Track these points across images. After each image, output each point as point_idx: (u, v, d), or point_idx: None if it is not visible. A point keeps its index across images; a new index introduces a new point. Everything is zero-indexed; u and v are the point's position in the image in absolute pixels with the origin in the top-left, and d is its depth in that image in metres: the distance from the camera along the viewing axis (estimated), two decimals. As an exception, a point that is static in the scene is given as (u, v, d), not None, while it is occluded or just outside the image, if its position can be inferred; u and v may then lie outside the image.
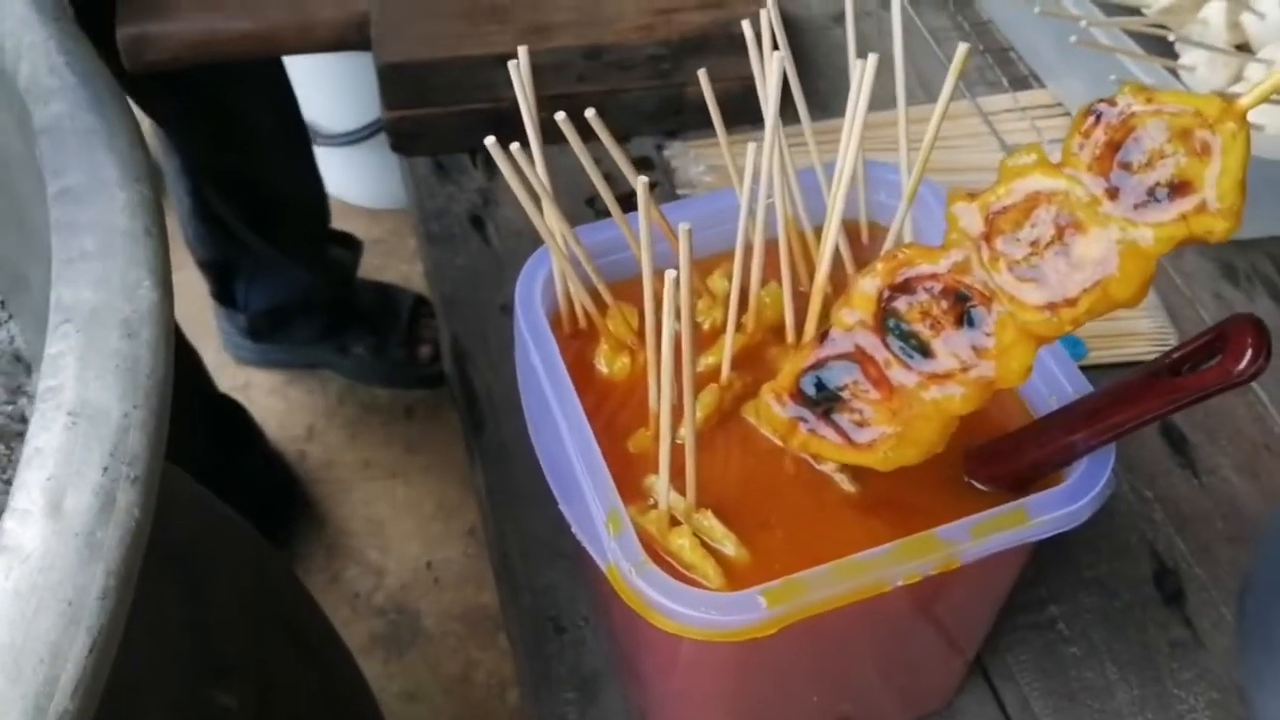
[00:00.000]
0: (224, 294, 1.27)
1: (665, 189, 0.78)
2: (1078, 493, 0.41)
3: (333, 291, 1.31)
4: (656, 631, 0.40)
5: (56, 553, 0.28)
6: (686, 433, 0.40)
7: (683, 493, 0.41)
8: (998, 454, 0.43)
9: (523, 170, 0.40)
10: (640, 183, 0.39)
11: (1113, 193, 0.37)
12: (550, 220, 0.43)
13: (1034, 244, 0.38)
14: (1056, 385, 0.45)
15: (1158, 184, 0.36)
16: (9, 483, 0.43)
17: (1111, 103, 0.36)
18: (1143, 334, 0.71)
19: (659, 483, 0.40)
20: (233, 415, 1.24)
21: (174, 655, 0.52)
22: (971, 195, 0.39)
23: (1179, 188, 0.36)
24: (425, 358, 1.39)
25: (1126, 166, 0.36)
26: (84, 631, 0.28)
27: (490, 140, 0.40)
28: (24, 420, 0.46)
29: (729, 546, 0.41)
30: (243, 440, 1.25)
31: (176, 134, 1.07)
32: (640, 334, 0.46)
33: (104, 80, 0.40)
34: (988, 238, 0.38)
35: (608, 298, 0.46)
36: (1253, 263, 0.76)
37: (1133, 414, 0.40)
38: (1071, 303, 0.38)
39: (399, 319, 1.38)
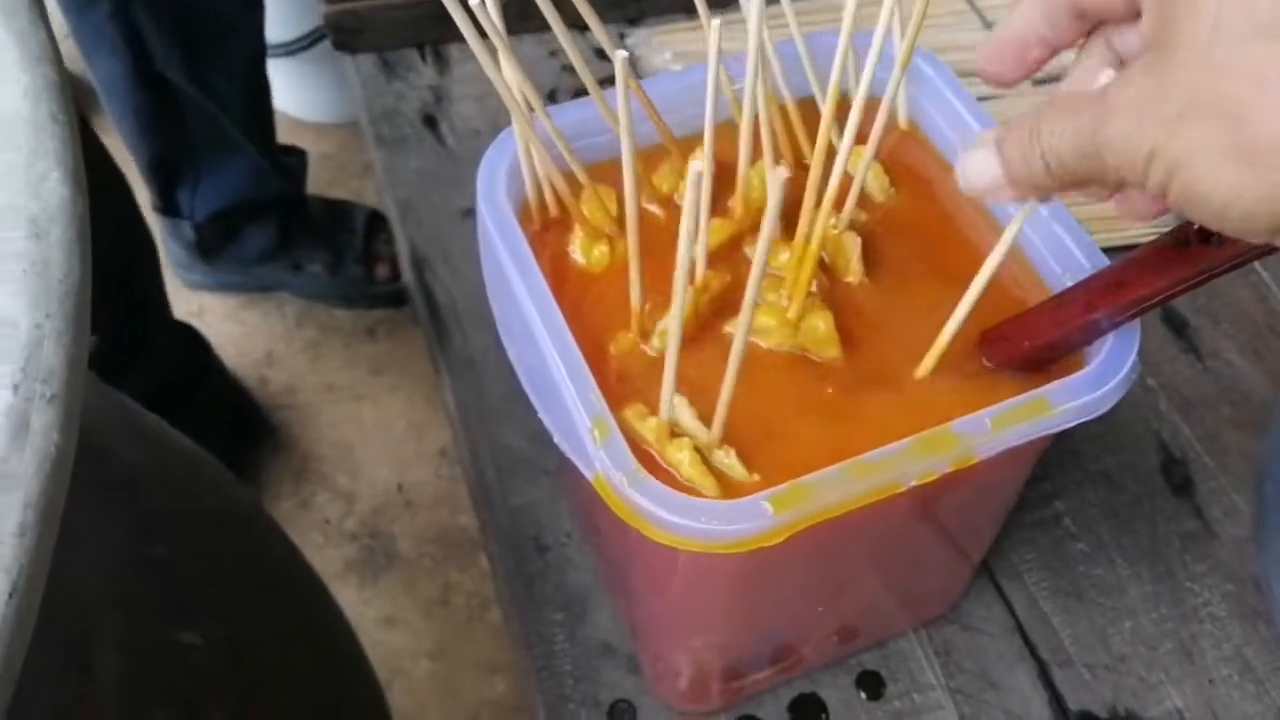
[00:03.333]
0: (168, 201, 1.20)
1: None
2: (1102, 377, 0.38)
3: (281, 192, 1.24)
4: (650, 545, 0.37)
5: (-39, 486, 0.24)
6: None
7: (704, 416, 0.38)
8: (1013, 334, 0.40)
9: (482, 26, 0.36)
10: (618, 56, 0.34)
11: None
12: (515, 86, 0.39)
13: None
14: (1072, 261, 0.41)
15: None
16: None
17: None
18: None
19: (663, 391, 0.36)
20: (188, 341, 1.19)
21: (128, 595, 0.49)
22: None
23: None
24: (383, 277, 1.33)
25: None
26: (1, 574, 0.24)
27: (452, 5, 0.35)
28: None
29: (738, 474, 0.37)
30: (200, 367, 1.20)
31: None
32: (620, 220, 0.42)
33: (-4, -51, 0.35)
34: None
35: (583, 178, 0.42)
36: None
37: (1160, 286, 0.36)
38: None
39: (354, 234, 1.32)
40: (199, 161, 1.17)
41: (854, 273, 0.42)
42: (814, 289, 0.41)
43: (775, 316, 0.40)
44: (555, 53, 0.74)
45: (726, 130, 0.43)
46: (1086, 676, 0.53)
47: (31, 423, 0.26)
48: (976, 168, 0.33)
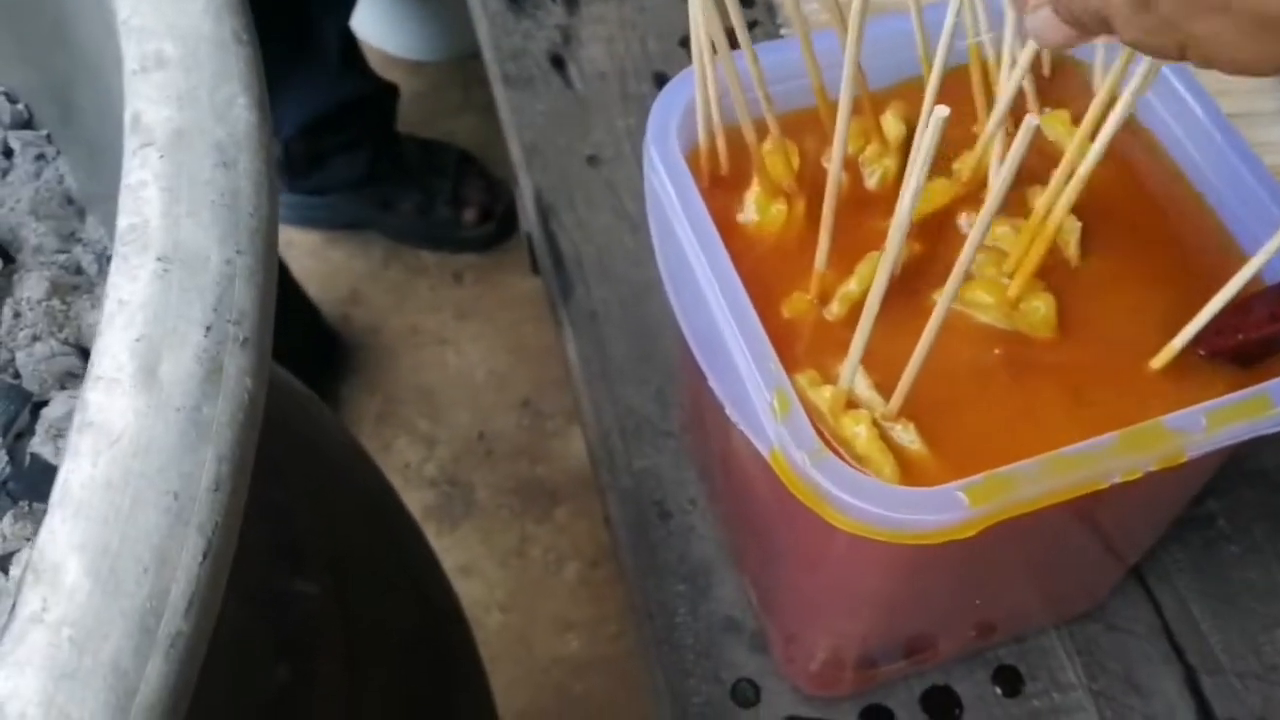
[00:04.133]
0: None
1: (768, 29, 0.69)
2: (1328, 376, 0.34)
3: (370, 115, 1.22)
4: (802, 524, 0.34)
5: (155, 432, 0.22)
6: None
7: (881, 387, 0.35)
8: (1226, 326, 0.36)
9: None
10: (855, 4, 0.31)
11: None
12: (702, 24, 0.36)
13: None
14: (1271, 220, 0.38)
15: None
16: (67, 342, 0.37)
17: None
18: (1275, 144, 0.64)
19: (849, 358, 0.34)
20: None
21: (253, 540, 0.47)
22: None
23: None
24: (470, 220, 1.31)
25: None
26: (195, 531, 0.22)
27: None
28: (79, 271, 0.40)
29: (915, 451, 0.35)
30: (286, 300, 1.19)
31: None
32: (800, 178, 0.39)
33: None
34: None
35: (774, 127, 0.39)
36: None
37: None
38: None
39: (446, 175, 1.30)
40: (284, 68, 1.13)
41: (1072, 256, 0.39)
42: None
43: (994, 294, 0.37)
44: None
45: (917, 88, 0.40)
46: (1236, 685, 0.50)
47: (225, 367, 0.24)
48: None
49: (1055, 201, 0.37)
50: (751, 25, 0.69)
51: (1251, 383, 0.35)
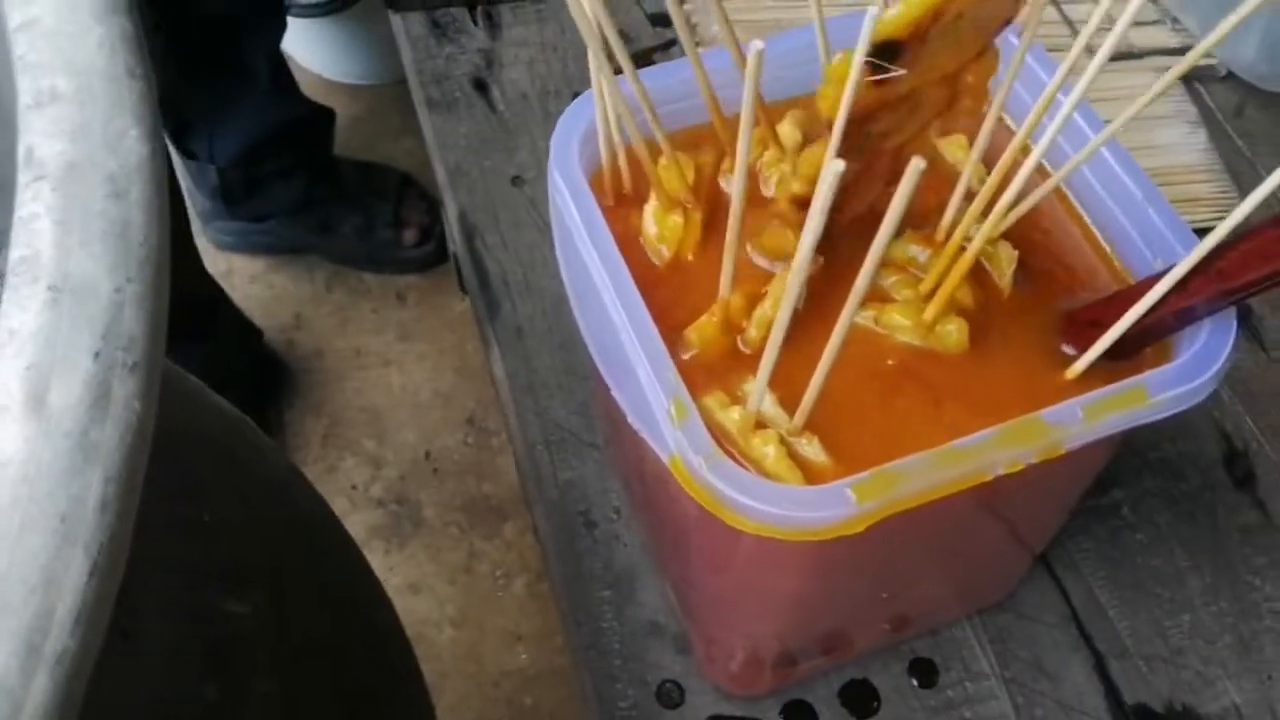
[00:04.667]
0: (184, 141, 1.17)
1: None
2: (1199, 366, 0.36)
3: (307, 138, 1.21)
4: (713, 527, 0.35)
5: (43, 457, 0.23)
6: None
7: (786, 403, 0.36)
8: (1101, 318, 0.38)
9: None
10: (753, 47, 0.32)
11: None
12: (612, 40, 0.37)
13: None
14: (1163, 246, 0.40)
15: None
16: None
17: None
18: (1204, 199, 0.66)
19: (755, 382, 0.35)
20: (215, 300, 1.18)
21: (174, 559, 0.48)
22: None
23: None
24: (411, 241, 1.32)
25: None
26: (81, 551, 0.23)
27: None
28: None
29: (820, 464, 0.36)
30: (227, 327, 1.19)
31: None
32: (696, 190, 0.41)
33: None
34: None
35: (665, 145, 0.40)
36: (1318, 121, 0.71)
37: (1264, 273, 0.35)
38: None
39: (386, 198, 1.31)
40: (215, 98, 1.13)
41: (1005, 285, 0.40)
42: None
43: (910, 316, 0.38)
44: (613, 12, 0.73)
45: (810, 99, 0.41)
46: (1143, 669, 0.52)
47: (113, 392, 0.25)
48: None
49: (964, 227, 0.38)
50: (669, 44, 0.71)
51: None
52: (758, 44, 0.32)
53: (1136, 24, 0.72)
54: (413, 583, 1.16)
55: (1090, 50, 0.35)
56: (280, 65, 1.17)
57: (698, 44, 0.71)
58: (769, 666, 0.48)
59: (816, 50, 0.43)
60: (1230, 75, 0.73)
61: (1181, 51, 0.72)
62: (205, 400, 0.61)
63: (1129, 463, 0.57)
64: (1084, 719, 0.51)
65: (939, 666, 0.51)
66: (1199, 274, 0.36)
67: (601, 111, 0.40)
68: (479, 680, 1.10)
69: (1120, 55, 0.71)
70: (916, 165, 0.28)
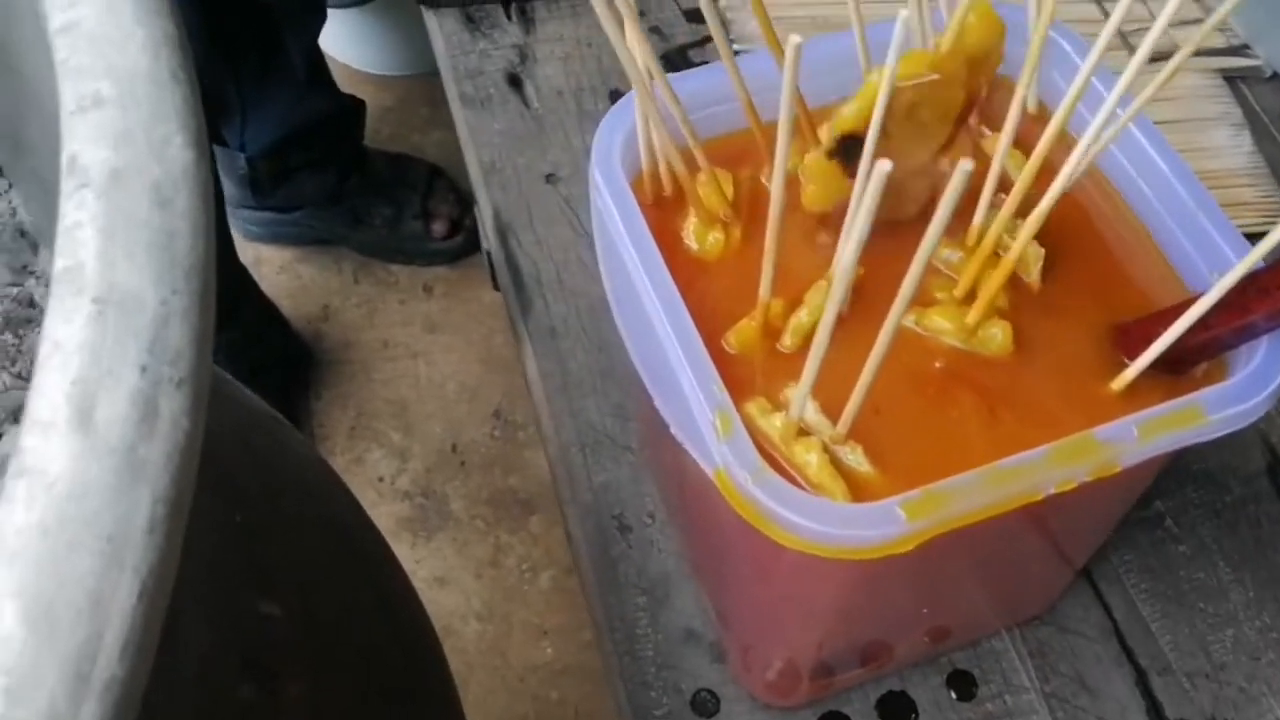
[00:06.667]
0: (217, 127, 1.16)
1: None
2: (1255, 384, 0.35)
3: (336, 133, 1.21)
4: (753, 539, 0.35)
5: (90, 476, 0.23)
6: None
7: (829, 409, 0.36)
8: (1155, 333, 0.37)
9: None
10: (791, 41, 0.32)
11: None
12: (638, 54, 0.36)
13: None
14: (1218, 256, 0.39)
15: None
16: (20, 376, 0.38)
17: None
18: (1250, 203, 0.65)
19: (798, 388, 0.34)
20: (243, 287, 1.17)
21: (212, 561, 0.48)
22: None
23: None
24: (440, 233, 1.32)
25: None
26: (130, 574, 0.22)
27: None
28: (33, 304, 0.41)
29: (864, 473, 0.36)
30: (255, 317, 1.19)
31: None
32: (736, 205, 0.40)
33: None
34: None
35: (701, 160, 0.40)
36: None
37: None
38: None
39: (414, 190, 1.31)
40: (250, 86, 1.13)
41: (1034, 282, 0.40)
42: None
43: (953, 320, 0.38)
44: (644, 12, 0.72)
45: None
46: (1185, 685, 0.51)
47: (160, 408, 0.24)
48: None
49: (1005, 230, 0.37)
50: (705, 40, 0.70)
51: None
52: (795, 39, 0.32)
53: (1182, 23, 0.71)
54: (439, 576, 1.15)
55: (1130, 47, 0.34)
56: (317, 58, 1.16)
57: (733, 41, 0.70)
58: (806, 677, 0.48)
59: (857, 54, 0.42)
60: (1276, 76, 0.72)
61: (1229, 52, 0.70)
62: (237, 396, 0.61)
63: (1171, 473, 0.56)
64: (1125, 734, 0.50)
65: (978, 679, 0.51)
66: (1256, 291, 0.35)
67: (643, 119, 0.39)
68: (505, 674, 1.10)
69: (1166, 55, 0.69)
70: (964, 167, 0.27)
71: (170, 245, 0.26)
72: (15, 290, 0.41)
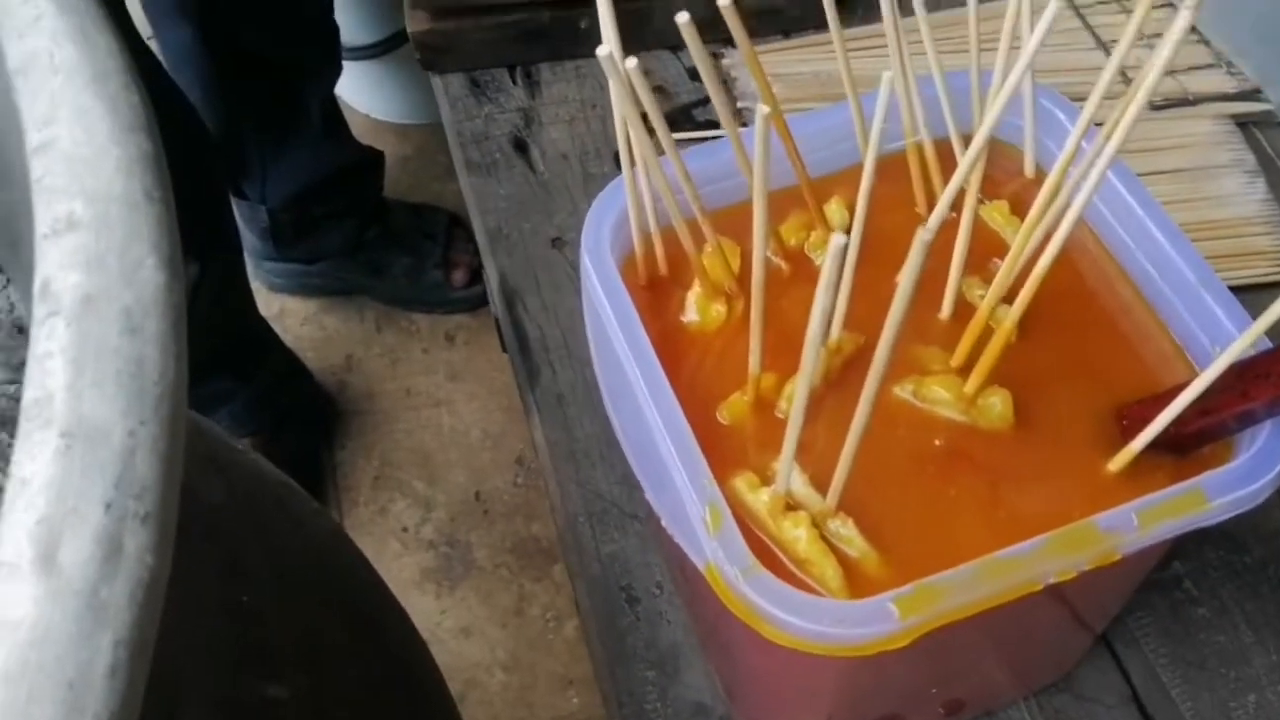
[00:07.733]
0: (236, 181, 1.18)
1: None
2: (1259, 468, 0.35)
3: (357, 182, 1.22)
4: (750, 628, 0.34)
5: (53, 620, 0.23)
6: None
7: (815, 486, 0.35)
8: (1153, 415, 0.37)
9: (631, 82, 0.33)
10: (760, 111, 0.32)
11: None
12: (637, 144, 0.36)
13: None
14: (1220, 332, 0.38)
15: None
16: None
17: None
18: (1263, 252, 0.64)
19: (781, 460, 0.34)
20: (269, 345, 1.18)
21: (216, 645, 0.47)
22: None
23: None
24: (460, 282, 1.32)
25: None
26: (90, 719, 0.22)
27: (603, 51, 0.32)
28: (30, 401, 0.41)
29: (856, 548, 0.35)
30: (279, 369, 1.20)
31: None
32: (741, 279, 0.40)
33: (90, 9, 0.33)
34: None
35: (708, 231, 0.39)
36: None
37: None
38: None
39: (435, 239, 1.31)
40: (269, 140, 1.14)
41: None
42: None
43: (950, 389, 0.37)
44: (649, 72, 0.72)
45: (856, 174, 0.40)
46: (1209, 754, 0.50)
47: (124, 546, 0.24)
48: None
49: (993, 295, 0.37)
50: (704, 101, 0.70)
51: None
52: (763, 109, 0.32)
53: (1192, 69, 0.70)
54: (464, 626, 1.15)
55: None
56: (333, 109, 1.17)
57: (738, 99, 0.70)
58: (816, 754, 0.47)
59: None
60: (1292, 117, 0.71)
61: (1239, 97, 0.69)
62: (247, 468, 0.61)
63: (1189, 534, 0.55)
64: (1147, 806, 0.49)
65: (994, 750, 0.50)
66: (1255, 376, 0.34)
67: (633, 197, 0.39)
68: (531, 726, 1.10)
69: (1176, 102, 0.69)
70: (921, 238, 0.27)
71: (139, 373, 0.26)
72: (12, 388, 0.41)
